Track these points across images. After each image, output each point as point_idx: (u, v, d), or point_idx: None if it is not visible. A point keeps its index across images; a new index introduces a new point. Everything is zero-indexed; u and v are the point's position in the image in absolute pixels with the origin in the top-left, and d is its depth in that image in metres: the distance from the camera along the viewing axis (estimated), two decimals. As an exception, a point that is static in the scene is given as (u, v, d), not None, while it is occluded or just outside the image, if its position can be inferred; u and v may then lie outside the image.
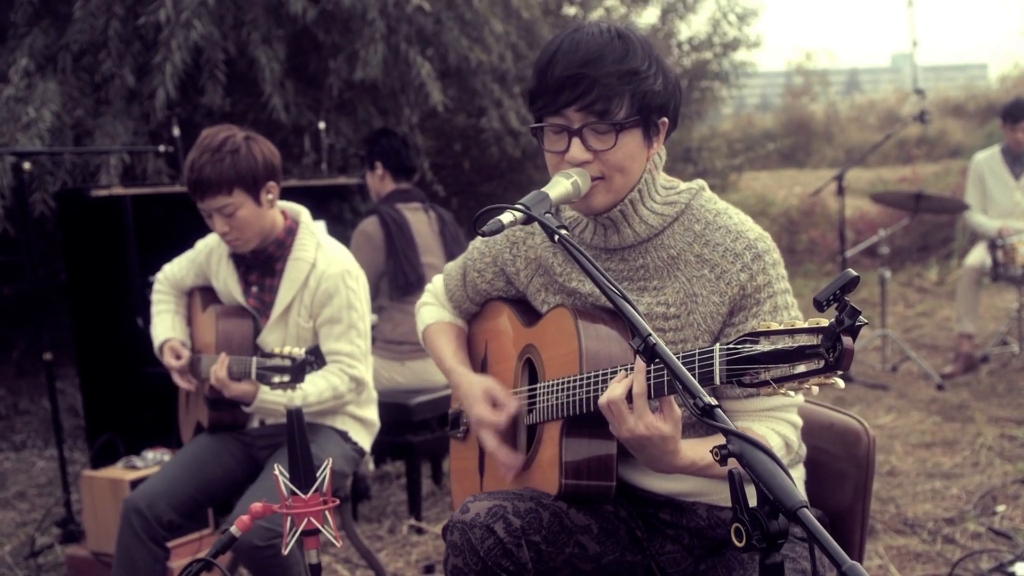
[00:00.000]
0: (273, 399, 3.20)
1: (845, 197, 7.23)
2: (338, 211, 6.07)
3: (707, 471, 2.07)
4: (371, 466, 5.62)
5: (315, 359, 2.95)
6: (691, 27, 11.51)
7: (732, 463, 1.54)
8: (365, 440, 3.54)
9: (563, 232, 1.92)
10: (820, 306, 1.59)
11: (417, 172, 5.41)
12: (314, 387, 3.26)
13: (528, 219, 1.96)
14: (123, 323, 4.94)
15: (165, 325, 3.63)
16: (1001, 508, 4.59)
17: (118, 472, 4.37)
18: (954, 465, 5.31)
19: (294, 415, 2.19)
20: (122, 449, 4.74)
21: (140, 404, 4.86)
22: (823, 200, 12.03)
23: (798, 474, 2.38)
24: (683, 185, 2.32)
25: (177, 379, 3.53)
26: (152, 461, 4.38)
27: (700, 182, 2.35)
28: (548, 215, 1.97)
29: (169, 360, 3.52)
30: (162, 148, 5.37)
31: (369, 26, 6.97)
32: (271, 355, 2.97)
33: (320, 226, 5.69)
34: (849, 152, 18.60)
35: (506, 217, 1.96)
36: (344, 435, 3.46)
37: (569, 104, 2.13)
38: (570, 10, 10.92)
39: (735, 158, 13.01)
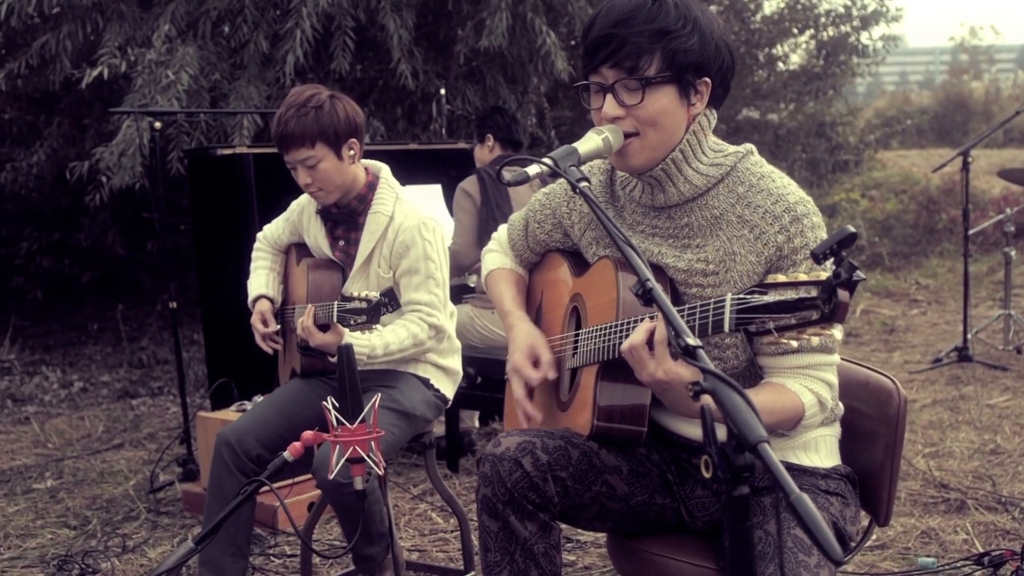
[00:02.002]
0: (355, 348, 3.37)
1: (992, 176, 7.07)
2: (456, 175, 6.24)
3: None
4: (476, 422, 5.80)
5: (388, 300, 3.09)
6: (830, 1, 11.31)
7: (706, 399, 1.64)
8: (448, 388, 3.69)
9: (583, 185, 2.03)
10: (817, 259, 1.65)
11: (523, 147, 5.67)
12: (394, 336, 3.43)
13: (554, 172, 2.08)
14: (242, 276, 5.18)
15: (260, 281, 3.85)
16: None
17: (229, 414, 4.64)
18: (1063, 447, 5.23)
19: (343, 351, 2.35)
20: (236, 394, 5.00)
21: (254, 353, 5.11)
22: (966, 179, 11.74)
23: (832, 431, 2.43)
24: (731, 148, 2.40)
25: (258, 340, 3.74)
26: (261, 406, 4.64)
27: (748, 146, 2.42)
28: (573, 168, 2.08)
29: (257, 323, 3.74)
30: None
31: (496, -6, 7.11)
32: (349, 299, 3.14)
33: (436, 189, 5.89)
34: (1008, 131, 18.05)
35: (532, 168, 2.08)
36: (426, 382, 3.61)
37: (604, 62, 2.24)
38: (707, -19, 10.89)
39: (870, 134, 12.74)
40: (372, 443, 2.33)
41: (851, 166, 12.05)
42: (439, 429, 5.25)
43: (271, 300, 3.81)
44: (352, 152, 3.48)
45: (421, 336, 3.49)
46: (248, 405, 4.69)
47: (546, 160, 2.08)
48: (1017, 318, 7.24)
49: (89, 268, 9.44)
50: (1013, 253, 7.29)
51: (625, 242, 1.90)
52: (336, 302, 3.18)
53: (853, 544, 2.39)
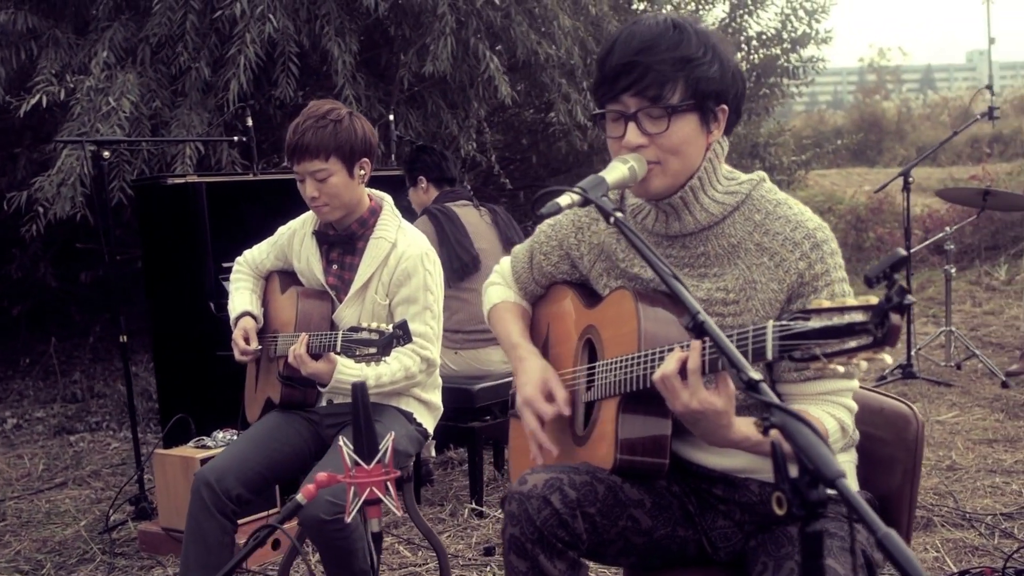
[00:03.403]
0: (348, 378, 3.30)
1: (913, 195, 7.17)
2: (403, 201, 6.18)
3: (759, 447, 2.14)
4: (432, 452, 5.73)
5: (402, 333, 3.02)
6: (760, 23, 11.43)
7: (774, 434, 1.61)
8: (429, 423, 3.64)
9: (618, 215, 1.99)
10: (870, 283, 1.63)
11: (457, 182, 5.60)
12: (387, 368, 3.36)
13: (585, 202, 2.04)
14: (197, 308, 5.08)
15: (244, 299, 3.74)
16: (1062, 504, 4.58)
17: (189, 451, 4.52)
18: (1015, 461, 5.30)
19: (358, 389, 2.29)
20: (193, 430, 4.88)
21: (211, 387, 5.00)
22: (891, 198, 11.97)
23: (850, 458, 2.43)
24: (744, 176, 2.40)
25: (237, 355, 3.64)
26: (222, 441, 4.53)
27: (761, 173, 2.42)
28: (604, 198, 2.05)
29: (239, 339, 3.63)
30: (236, 138, 5.52)
31: (439, 20, 7.08)
32: (358, 328, 3.06)
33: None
34: (921, 150, 18.50)
35: (564, 200, 2.04)
36: (409, 416, 3.55)
37: (625, 90, 2.22)
38: (639, 5, 10.96)
39: (802, 154, 12.95)
40: (388, 484, 2.27)
41: (784, 186, 12.23)
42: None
43: (255, 319, 3.71)
44: (363, 172, 3.45)
45: (413, 369, 3.43)
46: (207, 440, 4.58)
47: (576, 190, 2.04)
48: (959, 334, 7.36)
49: (19, 301, 9.17)
50: (954, 271, 7.41)
51: (671, 275, 1.86)
52: (342, 331, 3.11)
53: (880, 570, 2.37)
